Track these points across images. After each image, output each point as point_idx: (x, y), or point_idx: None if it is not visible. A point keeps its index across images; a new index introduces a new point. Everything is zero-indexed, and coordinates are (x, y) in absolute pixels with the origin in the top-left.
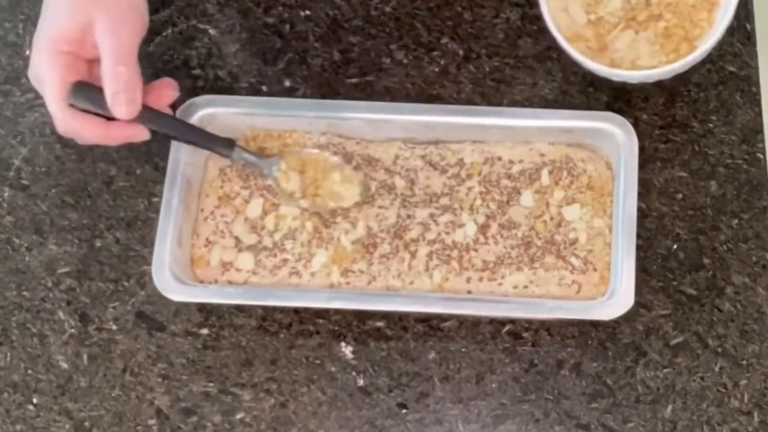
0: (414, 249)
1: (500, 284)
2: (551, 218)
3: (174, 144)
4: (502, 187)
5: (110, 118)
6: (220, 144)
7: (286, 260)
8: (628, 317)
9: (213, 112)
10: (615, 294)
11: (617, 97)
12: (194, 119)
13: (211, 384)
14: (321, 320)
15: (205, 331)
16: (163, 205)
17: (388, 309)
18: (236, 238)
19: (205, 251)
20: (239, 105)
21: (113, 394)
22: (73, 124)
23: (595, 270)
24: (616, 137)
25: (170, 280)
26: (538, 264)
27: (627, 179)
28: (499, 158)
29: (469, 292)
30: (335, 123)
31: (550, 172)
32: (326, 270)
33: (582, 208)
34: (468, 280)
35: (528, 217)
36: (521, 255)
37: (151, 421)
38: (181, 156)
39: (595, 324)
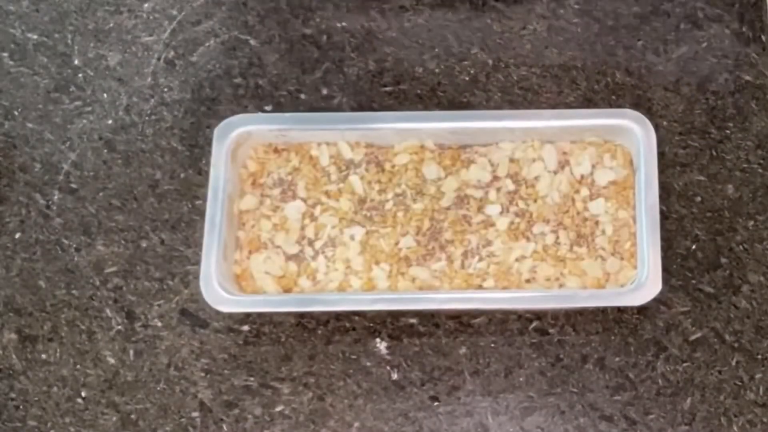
0: (449, 250)
1: (533, 278)
2: (577, 213)
3: (214, 162)
4: (528, 185)
5: None
6: None
7: (327, 267)
8: (649, 314)
9: (249, 130)
10: (642, 280)
11: (639, 105)
12: (231, 137)
13: (252, 378)
14: (357, 318)
15: (245, 327)
16: (206, 221)
17: (427, 308)
18: (278, 248)
19: (249, 263)
20: (272, 121)
21: (158, 388)
22: None
23: (622, 259)
24: (635, 132)
25: (219, 293)
26: (567, 257)
27: (647, 169)
28: (525, 159)
29: (504, 287)
30: (367, 134)
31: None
32: (366, 274)
33: (606, 202)
34: (502, 276)
35: (556, 213)
36: (551, 249)
37: (195, 414)
38: (221, 173)
39: (617, 320)
